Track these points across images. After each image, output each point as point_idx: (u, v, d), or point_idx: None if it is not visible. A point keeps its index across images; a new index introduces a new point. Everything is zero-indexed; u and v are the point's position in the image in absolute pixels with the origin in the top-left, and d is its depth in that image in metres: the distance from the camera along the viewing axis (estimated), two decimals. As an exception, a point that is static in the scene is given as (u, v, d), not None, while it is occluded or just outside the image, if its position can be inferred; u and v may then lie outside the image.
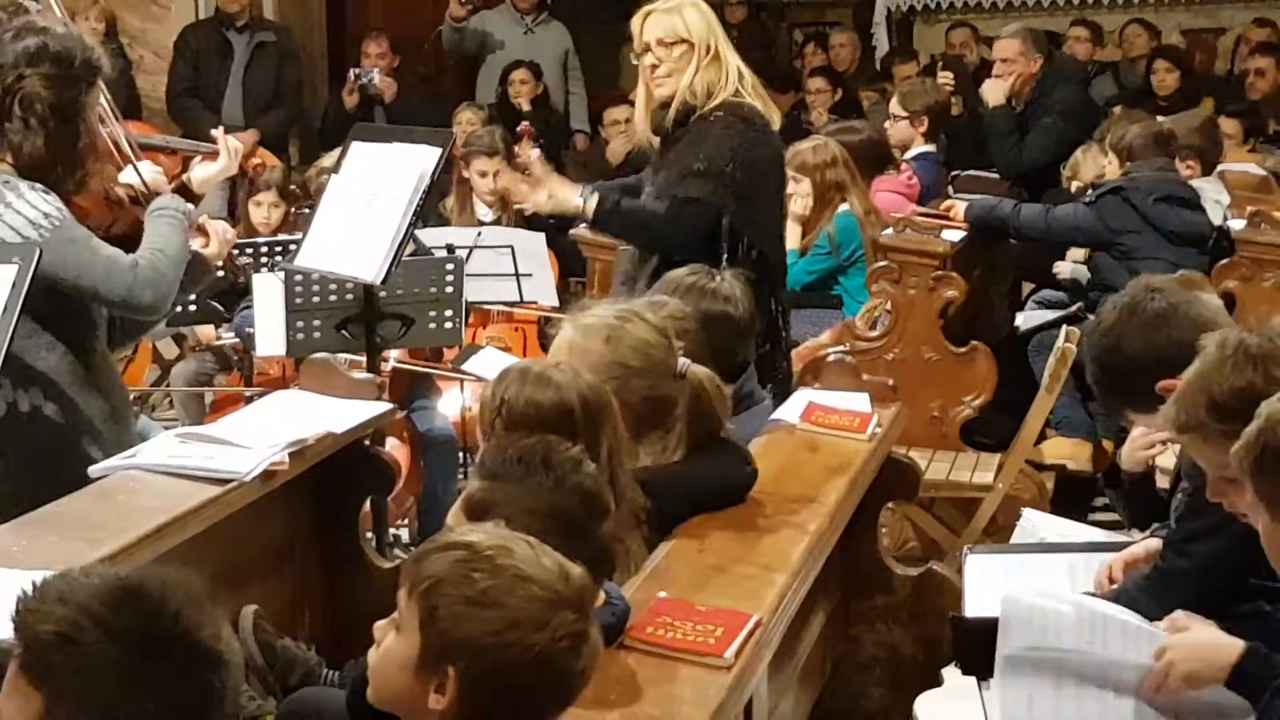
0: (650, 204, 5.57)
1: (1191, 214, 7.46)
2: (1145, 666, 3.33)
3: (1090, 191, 7.66)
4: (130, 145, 4.92)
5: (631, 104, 11.44)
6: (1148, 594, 3.77)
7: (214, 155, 5.29)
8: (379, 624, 2.70)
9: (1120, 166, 7.67)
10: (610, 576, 3.21)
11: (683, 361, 4.03)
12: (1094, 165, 8.64)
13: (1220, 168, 9.06)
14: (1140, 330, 3.88)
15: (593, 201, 5.57)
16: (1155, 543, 4.08)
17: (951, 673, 3.95)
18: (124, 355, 6.43)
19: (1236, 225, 7.40)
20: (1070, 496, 6.86)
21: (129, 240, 4.62)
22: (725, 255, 5.40)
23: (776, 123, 5.70)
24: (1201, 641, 3.29)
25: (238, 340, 7.04)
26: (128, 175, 5.07)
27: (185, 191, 5.27)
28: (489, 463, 3.22)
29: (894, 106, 9.22)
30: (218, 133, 5.40)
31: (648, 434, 3.97)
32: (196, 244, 4.81)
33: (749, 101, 5.53)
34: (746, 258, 5.42)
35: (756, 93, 5.59)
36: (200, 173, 5.27)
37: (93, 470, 4.06)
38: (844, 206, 7.76)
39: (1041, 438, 7.06)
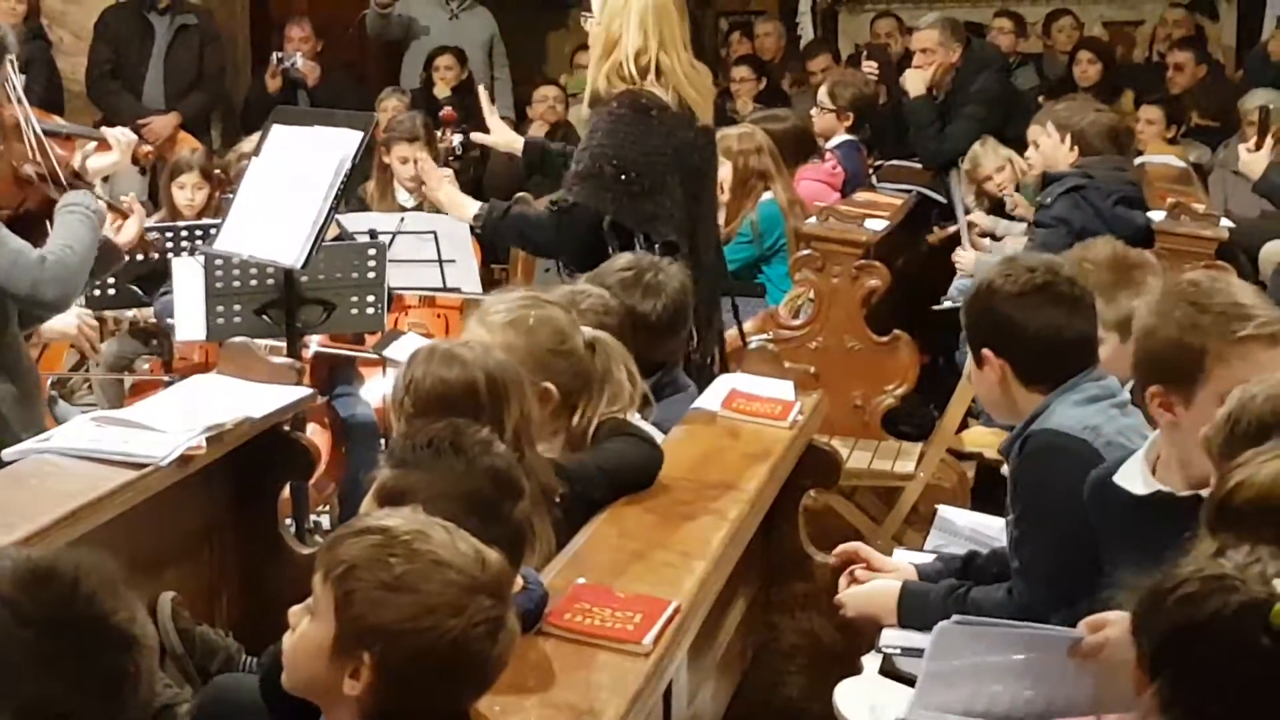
0: (534, 212, 5.60)
1: (1141, 214, 7.48)
2: (1076, 636, 3.33)
3: (1042, 196, 7.59)
4: (32, 127, 4.89)
5: (558, 85, 11.52)
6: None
7: (107, 145, 5.28)
8: (294, 609, 2.68)
9: (1070, 148, 7.60)
10: (523, 558, 3.19)
11: (586, 331, 4.04)
12: (995, 158, 8.69)
13: (1141, 159, 9.12)
14: None
15: (473, 210, 5.65)
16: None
17: (871, 660, 3.96)
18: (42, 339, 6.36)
19: (1157, 217, 7.43)
20: (990, 485, 6.88)
21: (40, 219, 4.59)
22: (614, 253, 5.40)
23: (703, 113, 5.66)
24: None
25: (154, 320, 6.97)
26: (97, 160, 5.08)
27: (78, 177, 5.25)
28: (399, 450, 3.21)
29: (821, 97, 9.25)
30: (106, 130, 5.38)
31: (580, 404, 4.01)
32: (110, 229, 4.79)
33: (649, 90, 5.48)
34: (650, 252, 5.40)
35: (674, 81, 5.53)
36: (95, 162, 5.26)
37: (6, 454, 4.02)
38: (767, 195, 7.77)
39: (964, 427, 7.08)
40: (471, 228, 6.09)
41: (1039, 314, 3.90)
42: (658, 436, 4.25)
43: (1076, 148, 7.47)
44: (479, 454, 3.14)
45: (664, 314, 4.75)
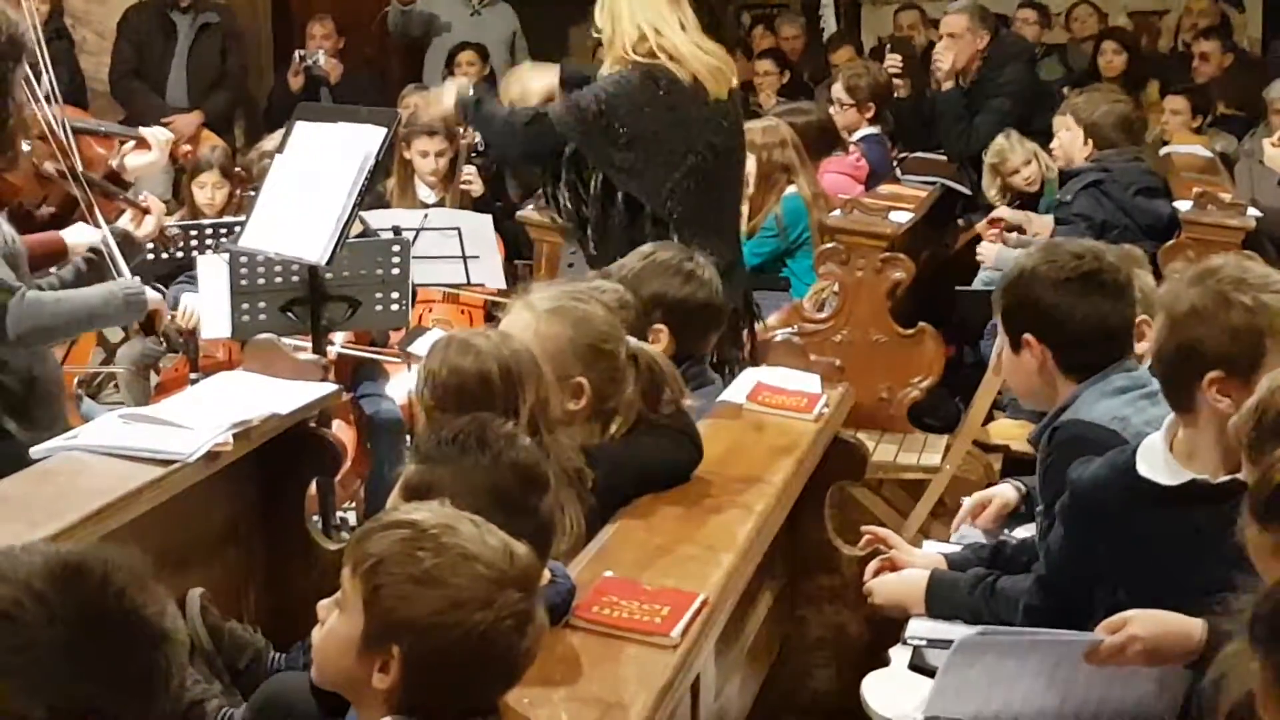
0: (507, 112, 5.84)
1: (1163, 203, 7.46)
2: (1095, 640, 3.32)
3: (1061, 193, 7.58)
4: (65, 129, 4.90)
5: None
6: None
7: (146, 144, 5.29)
8: (323, 603, 2.68)
9: (1085, 142, 7.62)
10: (550, 551, 3.19)
11: (631, 341, 4.02)
12: (1021, 152, 8.67)
13: (1167, 149, 9.10)
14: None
15: (455, 95, 5.97)
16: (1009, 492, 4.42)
17: (899, 653, 3.95)
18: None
19: (1183, 207, 7.41)
20: (1017, 477, 6.86)
21: (63, 219, 4.61)
22: (560, 180, 5.62)
23: (714, 88, 5.71)
24: (1169, 619, 3.29)
25: (173, 314, 6.97)
26: (135, 159, 5.12)
27: (116, 177, 5.26)
28: (424, 446, 3.21)
29: (838, 92, 9.23)
30: (144, 129, 5.39)
31: (601, 412, 3.97)
32: (130, 224, 4.81)
33: (663, 64, 5.59)
34: (603, 197, 5.61)
35: (695, 60, 5.62)
36: (133, 160, 5.27)
37: (34, 451, 4.03)
38: (791, 189, 7.76)
39: (989, 419, 7.07)
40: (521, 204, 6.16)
41: (1085, 302, 3.88)
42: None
43: (1090, 140, 7.48)
44: (504, 448, 3.14)
45: (704, 302, 4.74)
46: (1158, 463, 3.45)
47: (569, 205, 5.67)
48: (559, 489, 3.38)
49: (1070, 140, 7.63)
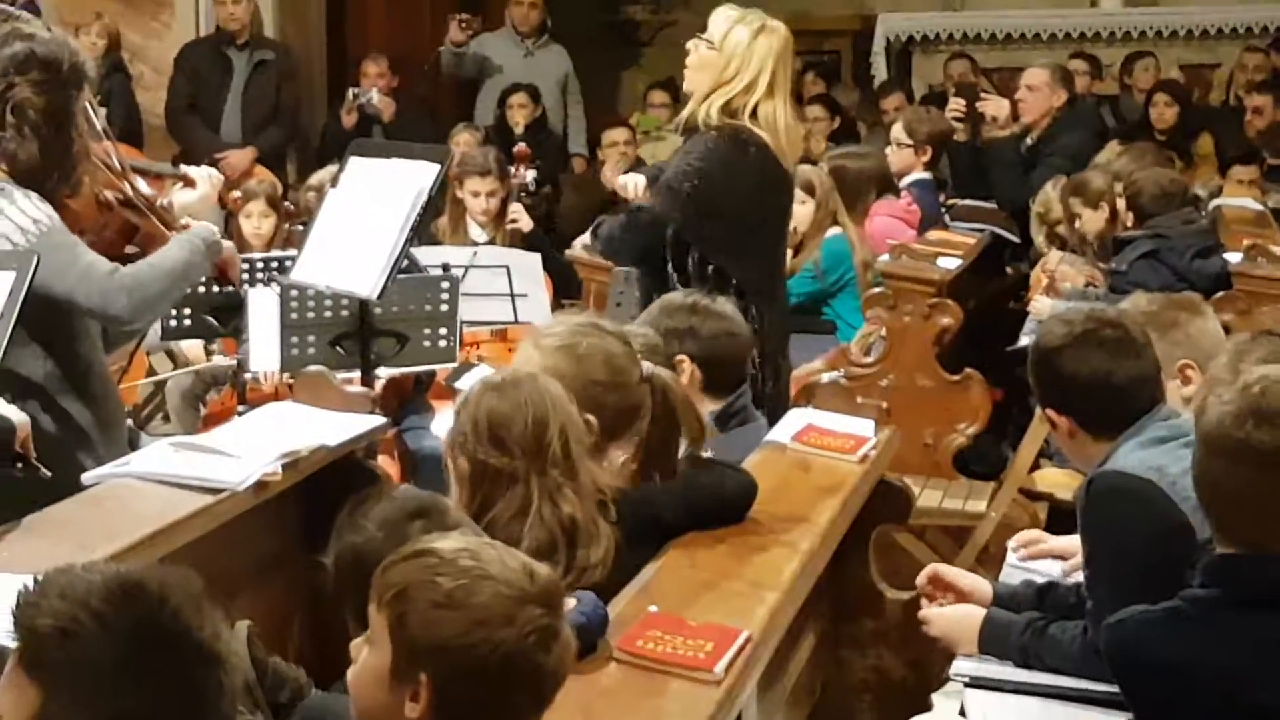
0: (613, 219, 5.92)
1: (1220, 260, 7.45)
2: None
3: (1116, 261, 7.58)
4: (121, 164, 4.94)
5: (628, 127, 11.52)
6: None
7: (192, 182, 5.33)
8: (355, 642, 2.72)
9: (1132, 218, 7.65)
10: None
11: (646, 365, 4.02)
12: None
13: (1217, 202, 9.08)
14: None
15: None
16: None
17: (940, 699, 3.96)
18: (118, 367, 6.40)
19: (1233, 259, 7.41)
20: (1063, 526, 6.84)
21: (122, 243, 4.65)
22: (670, 264, 5.56)
23: (789, 163, 5.73)
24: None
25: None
26: (182, 195, 5.17)
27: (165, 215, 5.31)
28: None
29: (897, 133, 9.25)
30: (189, 169, 5.44)
31: (620, 441, 3.96)
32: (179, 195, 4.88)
33: (749, 127, 5.54)
34: (701, 273, 5.53)
35: (769, 126, 5.58)
36: (180, 198, 5.30)
37: (86, 477, 4.04)
38: (834, 230, 7.77)
39: (1036, 467, 7.05)
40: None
41: (1085, 363, 3.93)
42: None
43: (1131, 214, 7.53)
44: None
45: (737, 330, 4.80)
46: None
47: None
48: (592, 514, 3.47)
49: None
